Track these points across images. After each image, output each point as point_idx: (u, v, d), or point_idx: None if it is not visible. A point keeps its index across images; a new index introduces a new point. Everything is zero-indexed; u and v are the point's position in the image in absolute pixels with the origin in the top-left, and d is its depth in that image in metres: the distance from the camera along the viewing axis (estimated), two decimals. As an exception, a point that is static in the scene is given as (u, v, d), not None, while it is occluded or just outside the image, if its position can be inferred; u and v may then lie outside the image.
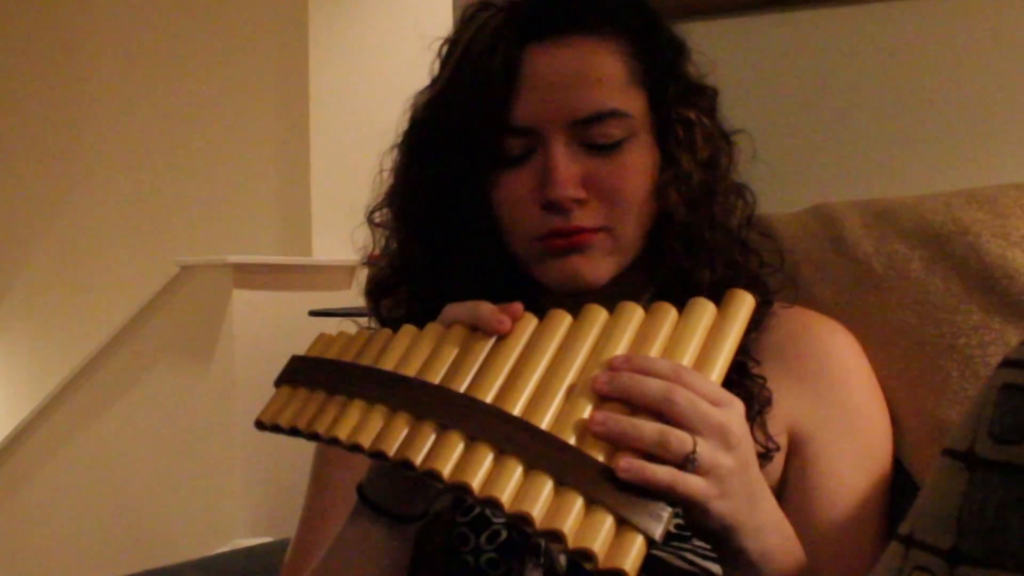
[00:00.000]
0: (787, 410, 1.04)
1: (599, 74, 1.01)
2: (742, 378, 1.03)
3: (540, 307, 1.11)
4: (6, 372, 5.77)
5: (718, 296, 1.04)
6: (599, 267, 1.04)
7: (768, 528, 0.85)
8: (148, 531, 4.09)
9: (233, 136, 5.09)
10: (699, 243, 1.05)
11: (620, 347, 0.83)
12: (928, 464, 1.03)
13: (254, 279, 4.05)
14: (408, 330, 0.91)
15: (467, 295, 1.07)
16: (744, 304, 0.86)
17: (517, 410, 0.80)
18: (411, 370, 0.86)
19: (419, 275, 1.09)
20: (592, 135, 1.01)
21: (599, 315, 0.85)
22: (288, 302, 4.11)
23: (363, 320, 1.17)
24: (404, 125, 1.11)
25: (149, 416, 4.17)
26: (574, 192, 1.00)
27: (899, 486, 1.07)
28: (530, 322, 0.87)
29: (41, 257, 5.73)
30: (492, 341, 0.86)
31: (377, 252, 1.15)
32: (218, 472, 3.97)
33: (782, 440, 1.03)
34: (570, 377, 0.82)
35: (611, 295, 1.06)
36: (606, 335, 0.84)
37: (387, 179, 1.12)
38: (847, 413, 1.05)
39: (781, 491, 1.04)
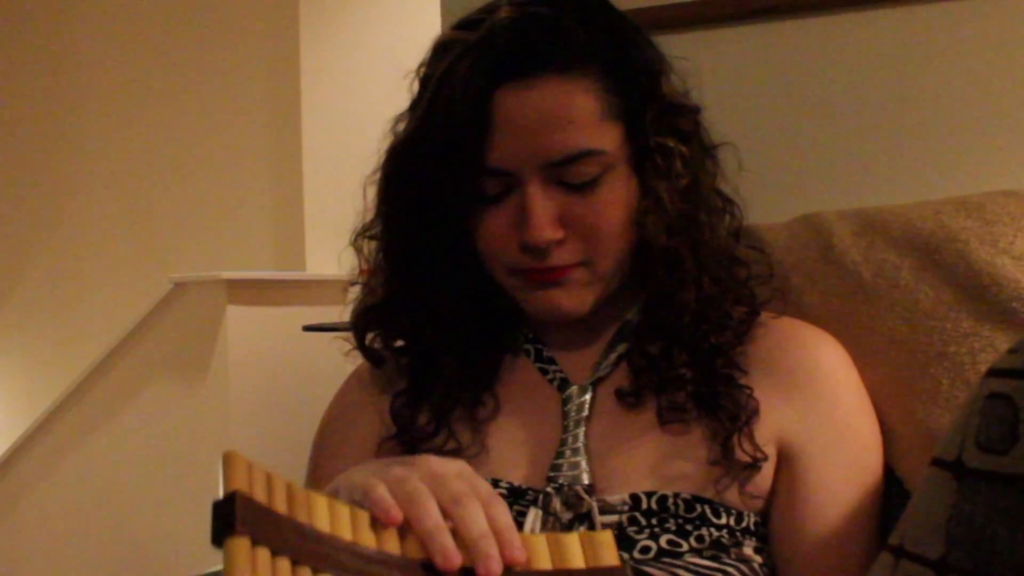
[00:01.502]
0: (776, 422, 1.03)
1: (571, 115, 0.99)
2: (729, 388, 1.03)
3: (525, 326, 1.12)
4: (1, 391, 5.75)
5: (707, 315, 1.04)
6: (579, 298, 1.05)
7: None
8: (143, 549, 4.07)
9: (226, 152, 5.09)
10: (681, 267, 1.04)
11: None
12: (919, 472, 1.03)
13: (248, 295, 4.04)
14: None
15: (452, 324, 1.08)
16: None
17: None
18: None
19: (409, 304, 1.10)
20: (567, 175, 1.00)
21: None
22: (282, 317, 4.10)
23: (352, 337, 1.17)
24: (385, 150, 1.10)
25: (144, 433, 4.16)
26: (551, 234, 1.00)
27: (891, 495, 1.07)
28: None
29: (34, 276, 5.72)
30: None
31: (366, 268, 1.15)
32: (213, 489, 3.96)
33: (770, 450, 1.03)
34: None
35: (595, 319, 1.07)
36: None
37: (371, 200, 1.12)
38: (836, 425, 1.05)
39: (771, 504, 1.04)
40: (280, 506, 0.71)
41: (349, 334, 1.17)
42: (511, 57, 0.99)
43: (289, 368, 3.91)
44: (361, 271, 1.15)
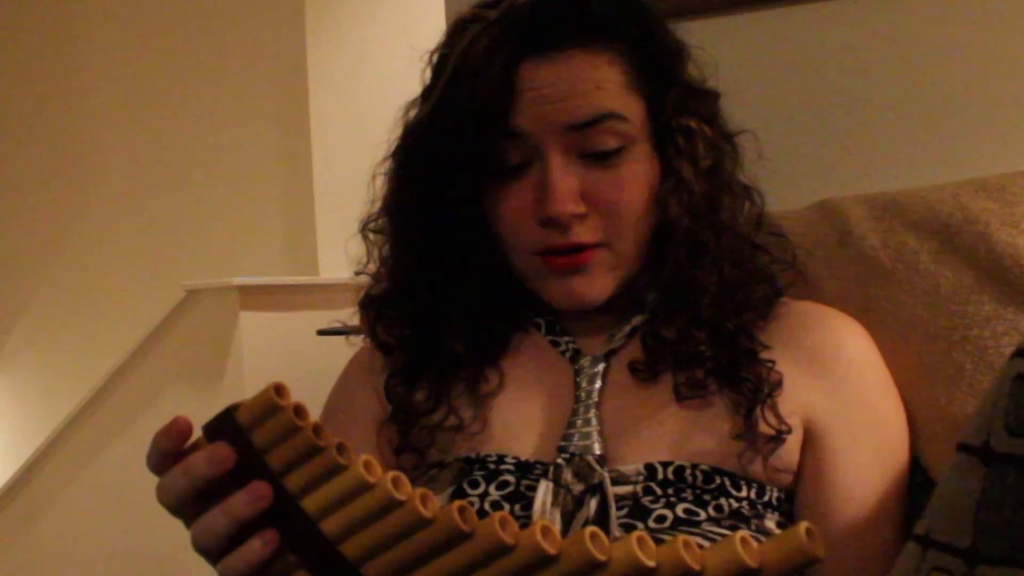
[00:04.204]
0: (800, 398, 1.02)
1: (596, 82, 0.99)
2: (751, 363, 1.01)
3: (540, 316, 1.10)
4: (17, 402, 5.76)
5: (728, 300, 1.02)
6: (600, 285, 1.03)
7: None
8: (162, 558, 4.06)
9: (235, 158, 5.08)
10: (703, 251, 1.03)
11: None
12: (944, 458, 1.02)
13: (261, 300, 4.03)
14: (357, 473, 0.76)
15: (466, 312, 1.06)
16: None
17: None
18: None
19: (417, 294, 1.08)
20: (590, 143, 0.99)
21: None
22: (296, 322, 4.09)
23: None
24: (396, 137, 1.09)
25: (161, 442, 4.15)
26: (573, 207, 0.99)
27: (915, 482, 1.05)
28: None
29: (48, 287, 5.73)
30: None
31: (373, 267, 1.14)
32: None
33: (795, 423, 1.01)
34: None
35: (613, 304, 1.05)
36: None
37: (380, 190, 1.11)
38: (863, 406, 1.03)
39: (796, 482, 1.03)
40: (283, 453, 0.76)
41: (361, 338, 1.16)
42: (535, 31, 0.99)
43: (304, 373, 3.86)
44: (369, 268, 1.14)
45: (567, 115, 0.98)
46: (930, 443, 1.05)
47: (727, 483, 0.98)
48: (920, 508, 0.86)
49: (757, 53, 1.42)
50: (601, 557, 0.66)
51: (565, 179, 0.99)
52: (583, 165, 1.00)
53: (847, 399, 1.03)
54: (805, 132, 1.39)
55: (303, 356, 3.94)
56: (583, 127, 0.99)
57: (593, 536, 0.67)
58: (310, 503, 0.75)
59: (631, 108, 1.01)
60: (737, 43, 1.41)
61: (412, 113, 1.08)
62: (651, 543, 0.67)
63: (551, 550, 0.68)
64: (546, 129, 0.99)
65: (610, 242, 1.02)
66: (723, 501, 0.97)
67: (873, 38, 1.36)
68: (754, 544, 0.65)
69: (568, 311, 1.09)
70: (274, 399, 0.77)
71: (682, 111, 1.04)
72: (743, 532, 0.66)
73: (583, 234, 1.00)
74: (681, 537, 0.66)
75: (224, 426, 0.80)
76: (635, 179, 1.02)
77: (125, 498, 4.25)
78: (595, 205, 1.00)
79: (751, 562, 0.64)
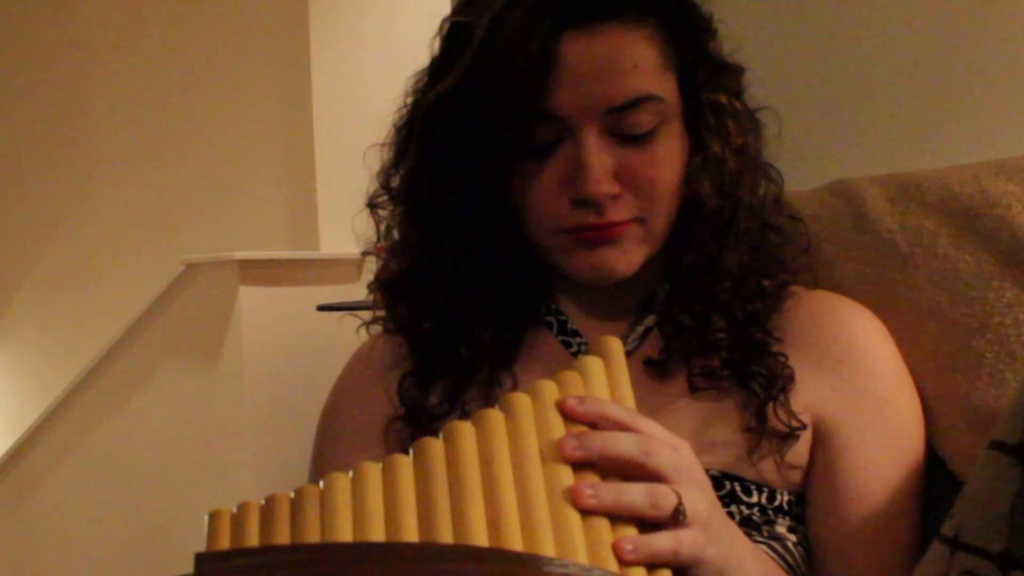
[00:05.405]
0: (810, 396, 1.00)
1: (634, 61, 0.97)
2: (763, 355, 0.99)
3: (548, 298, 1.08)
4: (14, 375, 5.77)
5: (745, 281, 1.01)
6: (630, 257, 1.01)
7: (748, 559, 0.84)
8: (159, 532, 4.07)
9: (236, 131, 5.07)
10: (727, 228, 1.01)
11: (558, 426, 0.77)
12: (963, 450, 1.00)
13: (261, 275, 4.02)
14: (338, 481, 0.77)
15: (482, 294, 1.03)
16: (618, 349, 0.84)
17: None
18: (375, 531, 0.73)
19: (434, 272, 1.05)
20: (626, 124, 0.97)
21: (523, 405, 0.79)
22: (296, 297, 4.08)
23: (366, 314, 1.13)
24: (405, 109, 1.06)
25: (159, 416, 4.15)
26: (608, 188, 0.97)
27: (932, 475, 1.02)
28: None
29: (47, 259, 5.73)
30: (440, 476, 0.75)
31: (382, 244, 1.11)
32: (229, 471, 3.95)
33: (805, 420, 0.99)
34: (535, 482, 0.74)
35: (621, 290, 1.03)
36: (540, 421, 0.78)
37: (388, 163, 1.08)
38: (875, 401, 1.01)
39: (807, 482, 1.01)
40: (277, 532, 0.75)
41: (363, 313, 1.13)
42: (576, 3, 0.96)
43: (303, 348, 3.88)
44: (377, 248, 1.11)
45: (605, 97, 0.96)
46: (948, 434, 1.03)
47: (737, 489, 0.97)
48: (938, 501, 0.84)
49: (772, 30, 1.39)
50: None
51: (601, 159, 0.96)
52: (617, 144, 0.97)
53: (859, 394, 1.01)
54: (820, 110, 1.36)
55: (303, 331, 3.94)
56: (620, 109, 0.96)
57: None
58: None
59: (665, 87, 0.99)
60: (755, 19, 1.39)
61: (422, 84, 1.05)
62: None
63: None
64: (583, 110, 0.96)
65: (644, 217, 1.00)
66: (733, 508, 0.96)
67: (891, 16, 1.34)
68: None
69: (574, 295, 1.07)
70: (236, 509, 0.78)
71: (712, 87, 1.03)
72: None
73: (618, 213, 0.98)
74: None
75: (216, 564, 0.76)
76: (668, 157, 1.00)
77: (122, 472, 4.25)
78: (630, 183, 0.98)
79: None
